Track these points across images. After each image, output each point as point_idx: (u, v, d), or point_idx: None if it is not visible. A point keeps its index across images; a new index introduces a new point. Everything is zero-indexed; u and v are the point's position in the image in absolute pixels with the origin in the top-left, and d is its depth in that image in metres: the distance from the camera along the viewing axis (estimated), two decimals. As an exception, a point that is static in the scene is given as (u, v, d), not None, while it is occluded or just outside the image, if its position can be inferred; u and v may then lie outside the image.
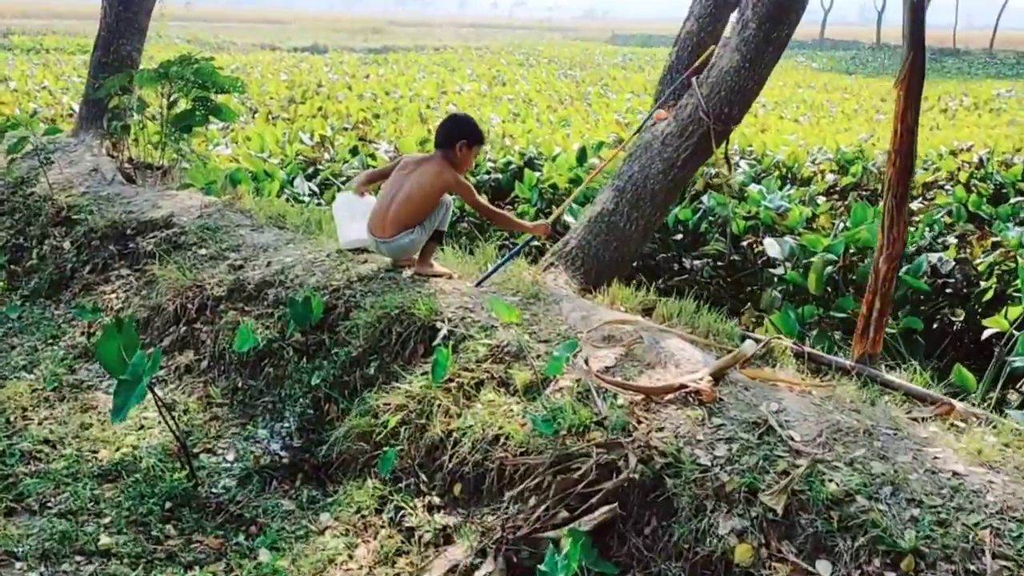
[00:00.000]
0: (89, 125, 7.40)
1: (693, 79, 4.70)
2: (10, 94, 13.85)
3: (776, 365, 3.69)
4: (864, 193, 9.05)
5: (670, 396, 3.22)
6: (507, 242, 6.74)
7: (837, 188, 8.81)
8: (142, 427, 3.92)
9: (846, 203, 7.99)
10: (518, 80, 22.32)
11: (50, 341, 4.77)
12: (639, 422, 3.11)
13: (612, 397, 3.25)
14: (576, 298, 4.17)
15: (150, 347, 4.57)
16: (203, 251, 4.93)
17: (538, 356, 3.59)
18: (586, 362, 3.42)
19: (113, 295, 5.03)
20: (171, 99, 6.70)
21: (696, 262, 6.86)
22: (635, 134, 4.93)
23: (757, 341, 3.73)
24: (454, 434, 3.40)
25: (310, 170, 8.47)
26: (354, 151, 9.15)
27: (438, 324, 3.90)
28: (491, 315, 3.97)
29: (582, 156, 9.02)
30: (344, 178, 8.31)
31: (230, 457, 3.72)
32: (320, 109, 13.24)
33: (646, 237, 4.86)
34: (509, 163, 9.11)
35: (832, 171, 9.34)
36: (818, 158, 9.76)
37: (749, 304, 5.17)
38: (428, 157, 4.44)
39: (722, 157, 4.80)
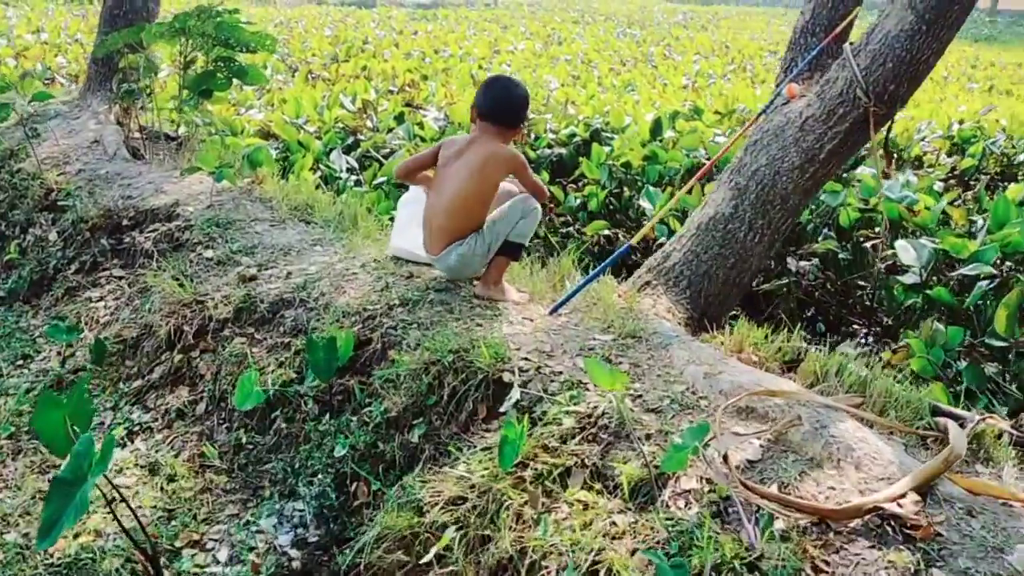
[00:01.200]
0: (97, 87, 6.41)
1: (846, 47, 3.54)
2: (39, 46, 12.97)
3: (987, 458, 2.60)
4: (983, 177, 7.79)
5: (857, 521, 2.17)
6: (591, 249, 5.67)
7: (955, 172, 7.54)
8: (112, 499, 2.95)
9: (973, 192, 6.75)
10: (574, 39, 20.95)
11: (20, 363, 3.82)
12: (816, 570, 2.05)
13: (766, 517, 2.20)
14: (689, 340, 3.09)
15: (137, 378, 3.60)
16: (209, 253, 3.93)
17: (648, 436, 2.54)
18: (724, 458, 2.36)
19: (100, 303, 4.07)
20: (188, 59, 5.69)
21: (803, 263, 5.72)
22: (760, 116, 3.80)
23: (958, 420, 2.63)
24: (530, 553, 2.37)
25: (350, 140, 7.42)
26: (399, 119, 8.07)
27: (505, 377, 2.86)
28: (575, 361, 2.92)
29: (656, 129, 7.86)
30: (388, 151, 7.26)
31: (222, 555, 2.72)
32: (364, 68, 12.15)
33: (770, 250, 3.74)
34: (573, 135, 7.98)
35: (946, 152, 8.06)
36: (927, 135, 8.46)
37: (905, 341, 4.05)
38: (474, 137, 3.40)
39: (879, 148, 3.65)
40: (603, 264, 3.45)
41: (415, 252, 3.65)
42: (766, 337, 3.16)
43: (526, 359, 2.92)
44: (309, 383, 3.12)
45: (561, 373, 2.85)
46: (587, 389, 2.76)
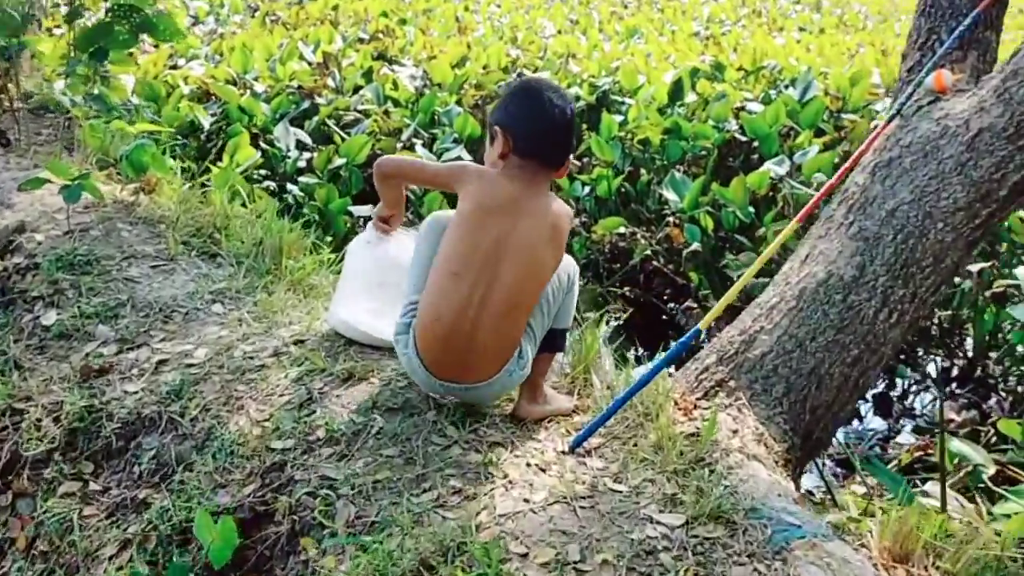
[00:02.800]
0: (-32, 41, 4.94)
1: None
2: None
3: None
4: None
5: None
6: (600, 249, 4.35)
7: None
8: None
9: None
10: (568, -25, 19.20)
11: None
12: None
13: None
14: (819, 530, 1.78)
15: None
16: (50, 317, 2.56)
17: None
18: None
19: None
20: (75, 7, 4.24)
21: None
22: (891, 119, 2.43)
23: None
24: None
25: (305, 104, 5.97)
26: (367, 75, 6.62)
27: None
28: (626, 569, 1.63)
29: (676, 91, 6.43)
30: (351, 118, 5.84)
31: None
32: (335, 9, 10.55)
33: (907, 334, 2.42)
34: (576, 99, 6.56)
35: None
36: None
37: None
38: (520, 187, 2.03)
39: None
40: (651, 370, 2.12)
41: (372, 333, 2.34)
42: (938, 519, 1.85)
43: (548, 567, 1.62)
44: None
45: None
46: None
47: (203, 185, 3.53)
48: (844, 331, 2.26)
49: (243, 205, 3.37)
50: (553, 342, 2.17)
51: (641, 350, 4.92)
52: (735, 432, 2.14)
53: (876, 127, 2.52)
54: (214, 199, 3.24)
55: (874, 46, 10.13)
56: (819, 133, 5.70)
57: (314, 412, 2.07)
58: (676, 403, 2.25)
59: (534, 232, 1.99)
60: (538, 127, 2.02)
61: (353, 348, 2.33)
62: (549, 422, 2.15)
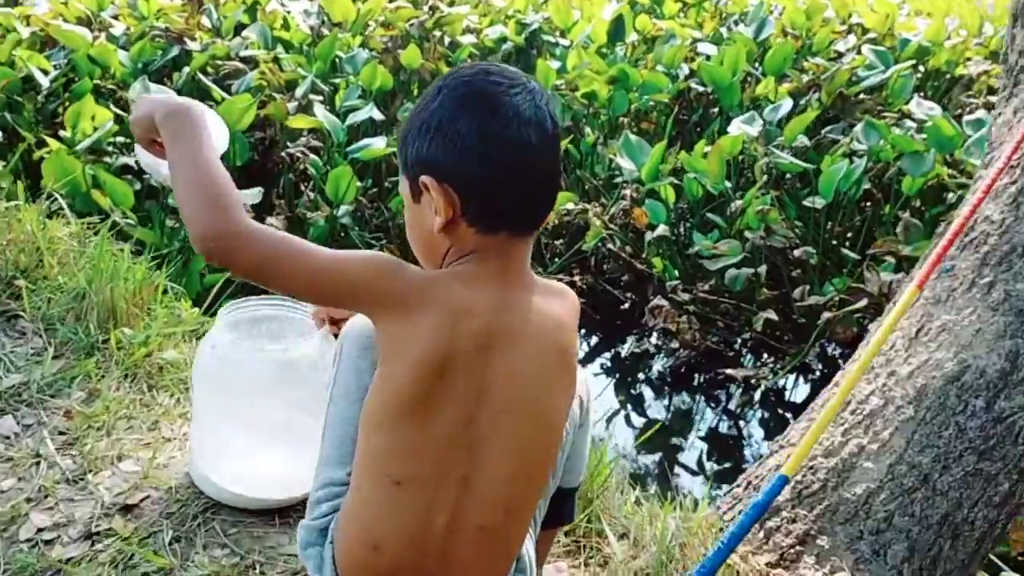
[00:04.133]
0: None
1: None
2: None
3: None
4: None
5: None
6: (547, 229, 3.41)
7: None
8: None
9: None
10: None
11: None
12: None
13: None
14: None
15: None
16: None
17: None
18: None
19: None
20: None
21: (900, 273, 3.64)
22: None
23: None
24: None
25: (175, 51, 4.82)
26: (252, 11, 5.47)
27: None
28: None
29: (617, 30, 5.57)
30: (233, 68, 4.74)
31: None
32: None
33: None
34: (503, 40, 5.58)
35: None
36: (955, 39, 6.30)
37: None
38: (499, 279, 1.04)
39: None
40: (723, 547, 1.28)
41: (245, 495, 1.42)
42: None
43: None
44: None
45: None
46: None
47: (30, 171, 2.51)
48: (989, 456, 1.46)
49: (69, 221, 2.36)
50: (559, 512, 1.29)
51: (595, 337, 4.12)
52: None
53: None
54: (25, 216, 2.21)
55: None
56: (780, 78, 4.94)
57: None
58: (739, 573, 1.43)
59: (530, 371, 1.05)
60: (504, 167, 1.02)
61: (219, 517, 1.41)
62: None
